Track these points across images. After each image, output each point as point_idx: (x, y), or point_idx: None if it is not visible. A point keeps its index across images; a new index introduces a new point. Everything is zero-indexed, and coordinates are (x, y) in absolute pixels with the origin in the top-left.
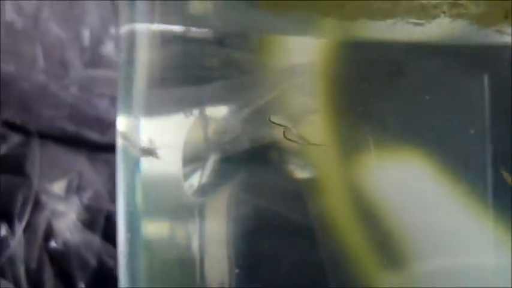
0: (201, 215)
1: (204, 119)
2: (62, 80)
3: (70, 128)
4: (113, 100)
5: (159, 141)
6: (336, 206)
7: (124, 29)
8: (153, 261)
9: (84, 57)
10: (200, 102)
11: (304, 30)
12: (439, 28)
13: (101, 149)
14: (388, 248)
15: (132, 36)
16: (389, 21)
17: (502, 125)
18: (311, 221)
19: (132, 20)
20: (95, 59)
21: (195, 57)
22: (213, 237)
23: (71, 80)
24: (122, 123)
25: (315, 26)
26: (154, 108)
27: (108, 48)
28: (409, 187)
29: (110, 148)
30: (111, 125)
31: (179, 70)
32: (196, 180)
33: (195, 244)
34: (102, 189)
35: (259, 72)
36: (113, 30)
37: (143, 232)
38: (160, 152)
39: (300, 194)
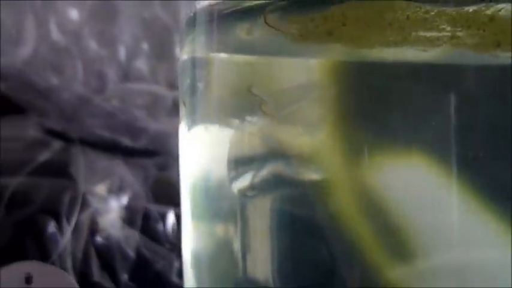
0: (244, 215)
1: (243, 129)
2: (102, 92)
3: (107, 135)
4: (149, 110)
5: (213, 144)
6: (347, 206)
7: (186, 56)
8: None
9: (120, 71)
10: (242, 114)
11: (324, 54)
12: (442, 53)
13: (135, 154)
14: (397, 245)
15: (193, 62)
16: (400, 49)
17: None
18: (325, 220)
19: (193, 49)
20: (129, 73)
21: (242, 77)
22: (255, 238)
23: (112, 93)
24: (184, 131)
25: (335, 51)
26: (211, 117)
27: (140, 63)
28: (415, 187)
29: (143, 153)
30: (143, 132)
31: (230, 87)
32: (241, 182)
33: (238, 243)
34: (139, 190)
35: (284, 89)
36: (144, 46)
37: (205, 233)
38: (212, 155)
39: (313, 196)
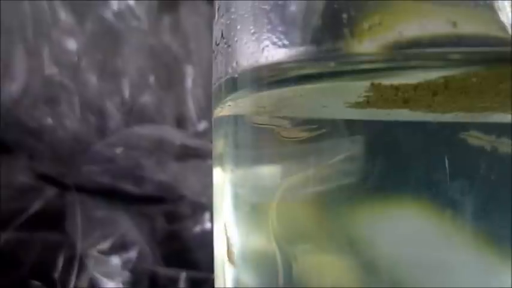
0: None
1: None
2: (104, 135)
3: (106, 181)
4: (159, 157)
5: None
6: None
7: (226, 113)
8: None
9: (124, 109)
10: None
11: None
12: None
13: (138, 201)
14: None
15: (236, 120)
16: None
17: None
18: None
19: (236, 108)
20: (134, 111)
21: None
22: None
23: (116, 139)
24: (219, 174)
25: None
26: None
27: (146, 98)
28: (409, 232)
29: (147, 200)
30: (146, 179)
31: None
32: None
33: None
34: (145, 248)
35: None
36: (151, 79)
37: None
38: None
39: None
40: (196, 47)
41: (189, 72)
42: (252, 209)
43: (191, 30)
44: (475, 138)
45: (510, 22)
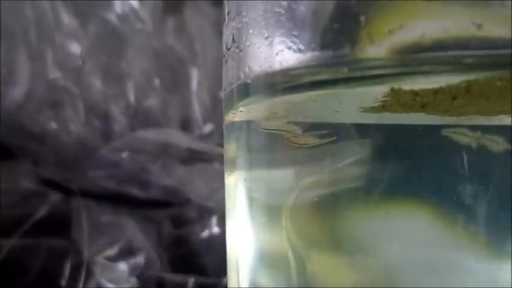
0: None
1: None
2: (109, 140)
3: (112, 185)
4: (164, 162)
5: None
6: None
7: (238, 119)
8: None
9: (129, 112)
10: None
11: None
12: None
13: (144, 206)
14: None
15: (249, 125)
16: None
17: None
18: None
19: (248, 114)
20: (139, 114)
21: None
22: None
23: (122, 143)
24: (231, 177)
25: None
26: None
27: (152, 102)
28: (420, 234)
29: (153, 205)
30: (152, 183)
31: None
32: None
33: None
34: (152, 254)
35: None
36: (156, 82)
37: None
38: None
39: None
40: (201, 49)
41: (194, 74)
42: (266, 212)
43: (196, 31)
44: (490, 141)
45: None
